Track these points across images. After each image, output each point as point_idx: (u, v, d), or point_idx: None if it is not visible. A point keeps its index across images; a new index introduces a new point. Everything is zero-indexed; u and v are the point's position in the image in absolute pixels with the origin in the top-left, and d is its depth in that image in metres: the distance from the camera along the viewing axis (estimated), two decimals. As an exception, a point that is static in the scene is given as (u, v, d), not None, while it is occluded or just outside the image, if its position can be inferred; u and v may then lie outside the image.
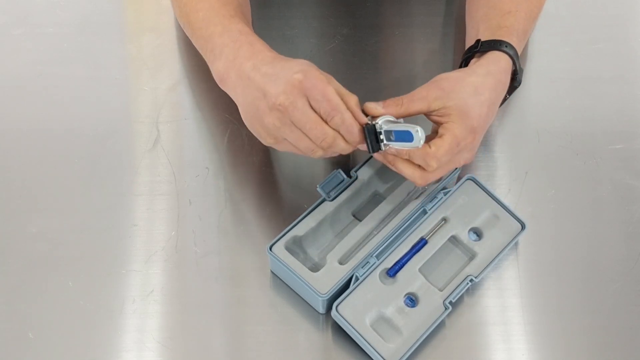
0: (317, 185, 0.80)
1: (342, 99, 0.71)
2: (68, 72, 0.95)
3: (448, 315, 0.76)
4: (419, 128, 0.69)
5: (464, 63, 0.82)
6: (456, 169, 0.81)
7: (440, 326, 0.76)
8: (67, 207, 0.84)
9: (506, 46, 0.79)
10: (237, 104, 0.76)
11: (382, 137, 0.72)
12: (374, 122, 0.72)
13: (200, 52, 0.83)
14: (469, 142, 0.75)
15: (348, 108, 0.71)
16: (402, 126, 0.71)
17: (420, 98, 0.74)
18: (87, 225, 0.83)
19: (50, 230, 0.83)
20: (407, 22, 1.00)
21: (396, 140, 0.71)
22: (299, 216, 0.79)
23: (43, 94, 0.93)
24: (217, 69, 0.78)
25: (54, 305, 0.78)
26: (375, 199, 0.83)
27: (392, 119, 0.73)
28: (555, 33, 0.98)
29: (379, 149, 0.72)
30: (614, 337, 0.77)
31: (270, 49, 0.77)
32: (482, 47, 0.80)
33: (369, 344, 0.73)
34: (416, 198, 0.81)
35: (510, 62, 0.80)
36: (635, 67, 0.98)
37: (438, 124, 0.76)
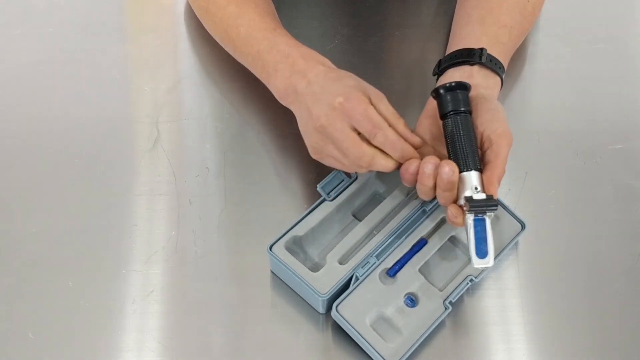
0: (317, 185, 0.80)
1: (388, 120, 0.74)
2: (68, 72, 0.95)
3: (448, 315, 0.76)
4: (492, 264, 0.72)
5: (461, 62, 0.82)
6: None
7: (440, 326, 0.76)
8: (67, 207, 0.84)
9: (503, 72, 0.82)
10: (297, 118, 0.79)
11: (480, 215, 0.72)
12: (494, 207, 0.72)
13: (247, 66, 0.86)
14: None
15: (397, 130, 0.74)
16: (491, 242, 0.72)
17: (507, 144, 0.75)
18: (87, 225, 0.83)
19: (50, 230, 0.83)
20: (407, 22, 1.00)
21: (475, 233, 0.72)
22: (299, 216, 0.79)
23: (43, 94, 0.93)
24: (276, 87, 0.81)
25: (54, 305, 0.78)
26: (375, 199, 0.83)
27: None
28: (556, 33, 0.98)
29: (467, 211, 0.72)
30: (614, 337, 0.77)
31: (320, 58, 0.79)
32: (488, 63, 0.81)
33: (369, 344, 0.73)
34: (416, 198, 0.81)
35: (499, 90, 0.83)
36: (635, 67, 0.98)
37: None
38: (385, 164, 0.74)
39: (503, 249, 0.79)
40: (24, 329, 0.76)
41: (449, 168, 0.72)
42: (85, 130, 0.90)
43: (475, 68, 0.81)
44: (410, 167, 0.74)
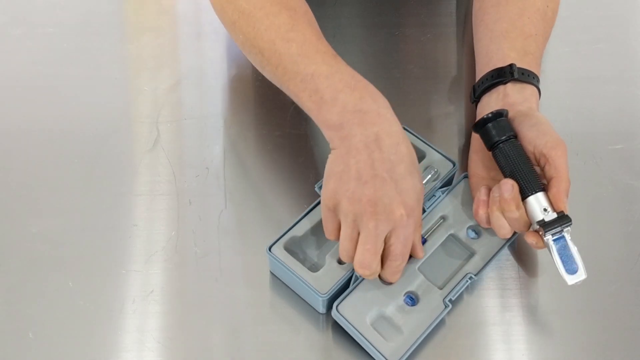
0: (316, 185, 0.80)
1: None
2: (68, 72, 0.95)
3: (448, 314, 0.76)
4: (585, 276, 0.72)
5: (494, 84, 0.82)
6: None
7: (441, 326, 0.76)
8: (67, 207, 0.84)
9: (537, 81, 0.82)
10: (332, 151, 0.72)
11: (557, 235, 0.72)
12: (568, 223, 0.72)
13: (283, 86, 0.77)
14: None
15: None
16: (578, 255, 0.73)
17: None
18: (87, 225, 0.83)
19: (50, 230, 0.83)
20: (407, 22, 1.00)
21: (559, 252, 0.72)
22: (298, 216, 0.79)
23: (43, 94, 0.94)
24: (330, 117, 0.71)
25: (54, 305, 0.78)
26: (375, 199, 0.83)
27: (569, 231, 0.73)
28: (555, 33, 0.98)
29: (542, 233, 0.73)
30: (614, 337, 0.77)
31: (380, 99, 0.72)
32: (520, 76, 0.80)
33: (370, 343, 0.73)
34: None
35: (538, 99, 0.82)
36: (635, 67, 0.98)
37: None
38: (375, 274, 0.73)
39: (502, 247, 0.79)
40: (24, 329, 0.76)
41: (508, 185, 0.72)
42: (85, 130, 0.90)
43: (509, 86, 0.80)
44: (480, 204, 0.75)
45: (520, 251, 0.82)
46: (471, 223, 0.81)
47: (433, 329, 0.74)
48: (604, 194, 0.86)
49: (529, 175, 0.74)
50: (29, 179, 0.86)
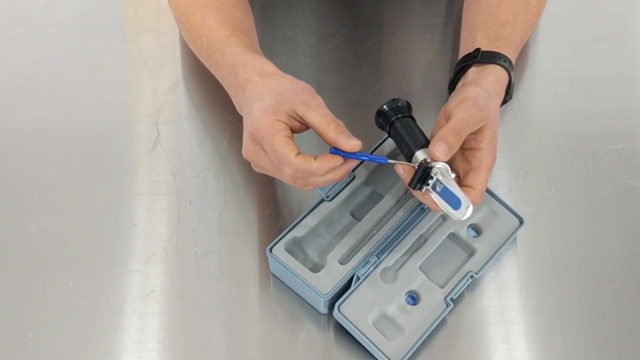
0: (316, 185, 0.80)
1: (316, 130, 0.70)
2: (68, 72, 0.95)
3: (449, 314, 0.76)
4: (471, 205, 0.68)
5: (460, 70, 0.82)
6: None
7: (442, 325, 0.76)
8: (67, 207, 0.84)
9: (505, 60, 0.80)
10: None
11: (430, 182, 0.70)
12: (431, 165, 0.69)
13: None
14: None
15: (326, 138, 0.69)
16: (456, 189, 0.69)
17: (474, 123, 0.72)
18: (87, 225, 0.83)
19: (50, 230, 0.83)
20: (407, 22, 1.00)
21: (441, 195, 0.70)
22: (299, 216, 0.79)
23: (43, 94, 0.93)
24: (231, 97, 0.79)
25: (54, 305, 0.78)
26: (374, 198, 0.83)
27: (448, 170, 0.70)
28: (556, 33, 0.98)
29: (418, 189, 0.71)
30: (614, 337, 0.77)
31: (258, 66, 0.75)
32: (482, 58, 0.79)
33: (372, 343, 0.73)
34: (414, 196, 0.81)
35: (507, 78, 0.80)
36: (635, 67, 0.98)
37: (465, 148, 0.74)
38: (314, 180, 0.70)
39: (502, 245, 0.79)
40: (24, 329, 0.76)
41: (398, 167, 0.72)
42: (85, 130, 0.90)
43: (472, 69, 0.80)
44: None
45: (520, 251, 0.82)
46: (471, 222, 0.81)
47: (434, 329, 0.74)
48: (604, 194, 0.86)
49: (408, 138, 0.73)
50: (29, 179, 0.86)
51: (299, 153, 0.68)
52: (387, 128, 0.76)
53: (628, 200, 0.86)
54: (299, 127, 0.71)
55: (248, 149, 0.72)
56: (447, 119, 0.73)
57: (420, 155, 0.71)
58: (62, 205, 0.84)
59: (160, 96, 0.93)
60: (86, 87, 0.94)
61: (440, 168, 0.69)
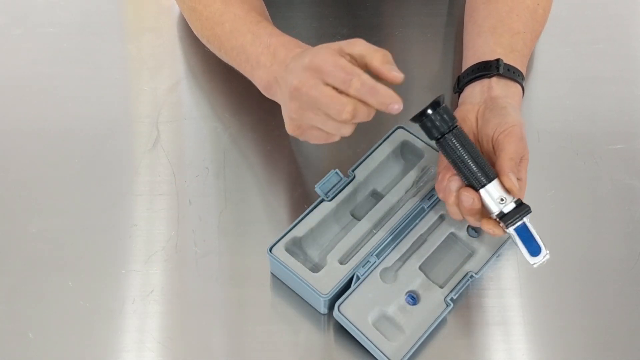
0: (316, 186, 0.80)
1: (368, 56, 0.67)
2: (68, 72, 0.95)
3: (449, 314, 0.76)
4: (548, 254, 0.70)
5: (479, 76, 0.81)
6: None
7: (442, 325, 0.76)
8: (67, 207, 0.84)
9: (522, 79, 0.81)
10: (281, 107, 0.75)
11: (518, 223, 0.70)
12: (527, 210, 0.70)
13: (231, 64, 0.84)
14: None
15: (372, 67, 0.67)
16: (538, 236, 0.71)
17: (521, 154, 0.73)
18: (87, 225, 0.83)
19: (50, 230, 0.83)
20: (407, 22, 1.00)
21: (520, 238, 0.70)
22: (298, 216, 0.79)
23: (43, 94, 0.93)
24: (260, 78, 0.78)
25: (54, 305, 0.78)
26: (374, 198, 0.83)
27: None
28: (555, 33, 0.98)
29: (502, 225, 0.71)
30: (614, 337, 0.77)
31: (301, 44, 0.76)
32: (505, 72, 0.80)
33: (372, 343, 0.73)
34: (414, 196, 0.81)
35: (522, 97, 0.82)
36: (635, 67, 0.98)
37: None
38: (368, 112, 0.66)
39: (502, 245, 0.79)
40: (24, 329, 0.76)
41: (467, 196, 0.70)
42: (85, 130, 0.90)
43: (494, 80, 0.80)
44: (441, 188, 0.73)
45: (519, 251, 0.82)
46: (471, 222, 0.81)
47: (434, 329, 0.74)
48: (604, 194, 0.86)
49: (477, 166, 0.70)
50: (29, 179, 0.86)
51: None
52: (438, 137, 0.70)
53: (628, 200, 0.86)
54: None
55: (301, 78, 0.67)
56: (494, 142, 0.73)
57: (494, 190, 0.70)
58: (62, 205, 0.84)
59: (160, 96, 0.93)
60: (86, 87, 0.94)
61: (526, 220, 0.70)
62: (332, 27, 0.99)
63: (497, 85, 0.80)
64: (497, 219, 0.71)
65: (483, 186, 0.70)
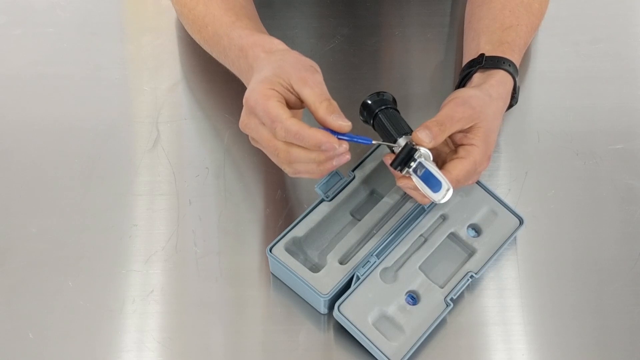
0: (315, 186, 0.80)
1: (309, 107, 0.69)
2: (68, 72, 0.95)
3: (449, 314, 0.76)
4: (451, 189, 0.70)
5: (466, 76, 0.82)
6: None
7: (442, 325, 0.76)
8: (67, 207, 0.84)
9: (509, 65, 0.80)
10: None
11: (412, 164, 0.71)
12: (416, 147, 0.71)
13: (225, 65, 0.84)
14: (483, 168, 0.76)
15: (316, 118, 0.68)
16: (437, 172, 0.70)
17: (460, 119, 0.73)
18: (87, 225, 0.83)
19: (50, 230, 0.83)
20: (407, 22, 1.00)
21: (422, 179, 0.71)
22: (299, 216, 0.79)
23: (43, 94, 0.93)
24: (246, 82, 0.78)
25: (54, 305, 0.78)
26: (374, 198, 0.83)
27: (430, 156, 0.71)
28: (556, 33, 0.98)
29: (400, 170, 0.72)
30: (614, 337, 0.77)
31: (267, 45, 0.76)
32: (486, 63, 0.80)
33: (372, 343, 0.73)
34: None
35: (512, 82, 0.81)
36: (635, 67, 0.98)
37: (458, 144, 0.75)
38: (304, 156, 0.68)
39: (502, 245, 0.79)
40: (24, 329, 0.76)
41: (387, 157, 0.73)
42: (85, 130, 0.90)
43: (477, 74, 0.81)
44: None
45: (520, 251, 0.82)
46: (471, 222, 0.81)
47: (434, 329, 0.74)
48: (604, 194, 0.86)
49: (392, 127, 0.74)
50: (29, 178, 0.86)
51: (292, 117, 0.67)
52: (371, 121, 0.77)
53: (628, 200, 0.86)
54: (294, 101, 0.70)
55: (242, 119, 0.71)
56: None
57: (403, 141, 0.73)
58: (62, 205, 0.84)
59: (160, 96, 0.93)
60: (86, 87, 0.94)
61: (423, 153, 0.71)
62: (332, 27, 0.99)
63: (476, 78, 0.81)
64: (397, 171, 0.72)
65: (396, 140, 0.73)
